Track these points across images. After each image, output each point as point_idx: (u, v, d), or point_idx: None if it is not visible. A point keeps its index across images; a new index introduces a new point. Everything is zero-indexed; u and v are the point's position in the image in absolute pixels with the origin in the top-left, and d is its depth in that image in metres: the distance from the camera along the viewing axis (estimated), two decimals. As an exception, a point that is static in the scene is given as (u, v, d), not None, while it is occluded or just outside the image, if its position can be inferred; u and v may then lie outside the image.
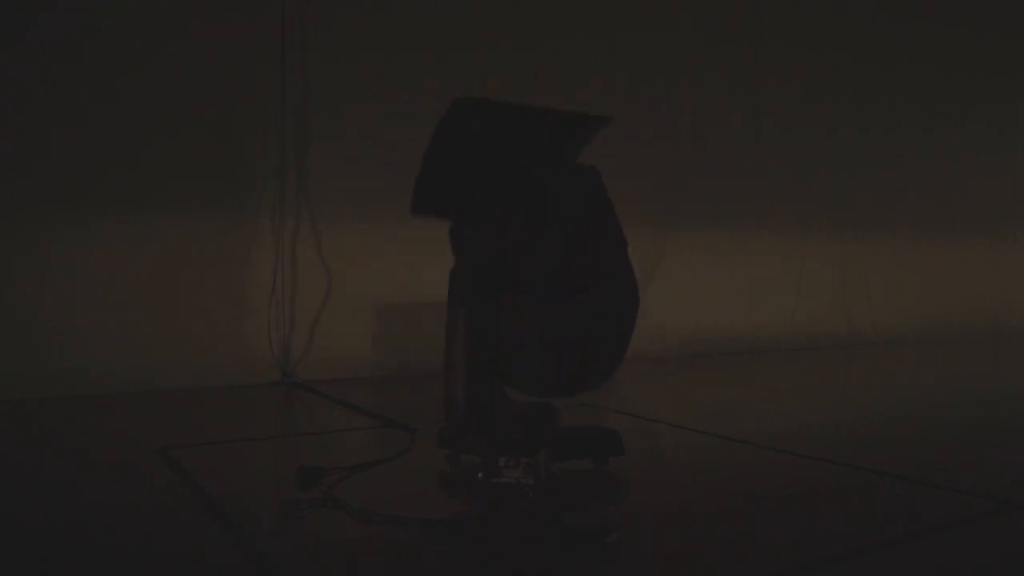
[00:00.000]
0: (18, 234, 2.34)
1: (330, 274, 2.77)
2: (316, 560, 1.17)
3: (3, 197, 2.31)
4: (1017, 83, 4.92)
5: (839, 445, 1.93)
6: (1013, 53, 4.88)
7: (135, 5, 2.46)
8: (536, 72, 2.97)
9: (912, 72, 4.31)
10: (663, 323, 3.32)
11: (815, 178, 3.91)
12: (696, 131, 3.54)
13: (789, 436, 1.99)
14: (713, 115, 3.59)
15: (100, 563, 1.13)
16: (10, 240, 2.33)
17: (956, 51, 4.52)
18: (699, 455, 1.84)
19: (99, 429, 2.06)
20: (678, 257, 3.47)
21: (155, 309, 2.51)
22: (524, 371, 1.52)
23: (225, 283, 2.64)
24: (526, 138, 1.57)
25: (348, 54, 2.78)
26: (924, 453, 1.88)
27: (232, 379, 2.57)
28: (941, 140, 4.47)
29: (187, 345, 2.54)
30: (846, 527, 1.32)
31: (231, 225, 2.64)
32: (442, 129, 1.49)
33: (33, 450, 1.84)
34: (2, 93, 2.30)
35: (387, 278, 2.82)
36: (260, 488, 1.56)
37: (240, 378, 2.59)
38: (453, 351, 1.59)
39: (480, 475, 1.46)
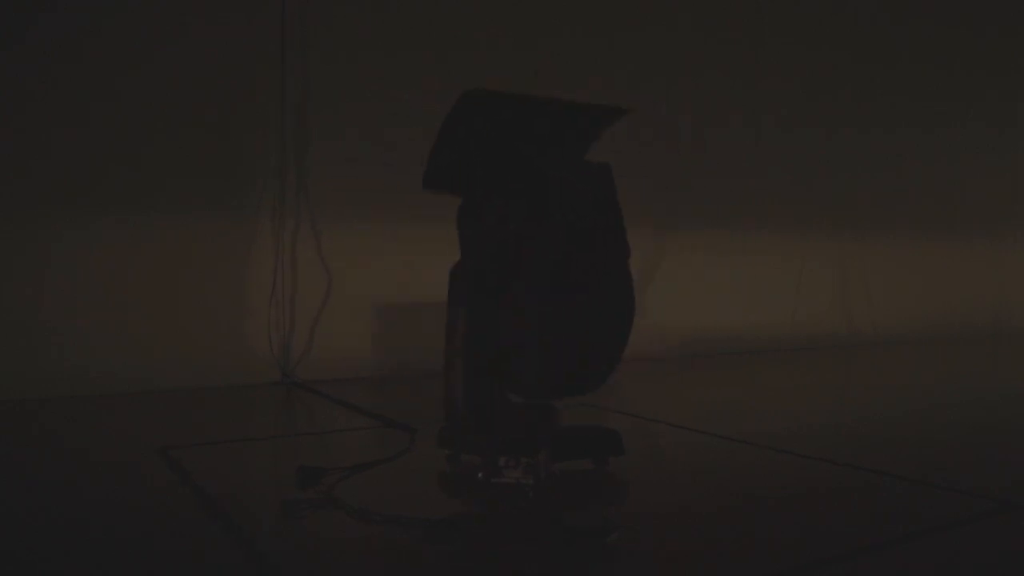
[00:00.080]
0: (18, 234, 2.34)
1: (330, 274, 2.77)
2: (316, 560, 1.17)
3: (3, 197, 2.31)
4: (1017, 83, 4.92)
5: (839, 445, 1.93)
6: (1013, 53, 4.88)
7: (135, 5, 2.46)
8: (536, 72, 2.97)
9: (912, 72, 4.31)
10: (663, 323, 3.32)
11: (815, 178, 3.91)
12: (696, 131, 3.54)
13: (789, 436, 1.99)
14: (713, 115, 3.59)
15: (100, 563, 1.13)
16: (10, 240, 2.33)
17: (956, 51, 4.52)
18: (699, 455, 1.84)
19: (99, 429, 2.06)
20: (678, 257, 3.47)
21: (155, 309, 2.51)
22: (524, 371, 1.52)
23: (225, 283, 2.64)
24: (535, 128, 1.56)
25: (348, 54, 2.78)
26: (924, 453, 1.88)
27: (232, 379, 2.57)
28: (941, 140, 4.47)
29: (187, 345, 2.54)
30: (846, 527, 1.32)
31: (231, 225, 2.64)
32: (454, 115, 1.49)
33: (33, 450, 1.84)
34: (2, 93, 2.30)
35: (387, 278, 2.82)
36: (260, 488, 1.56)
37: (240, 378, 2.59)
38: (453, 351, 1.59)
39: (480, 475, 1.46)
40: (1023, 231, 4.98)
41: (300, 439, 2.08)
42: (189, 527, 1.28)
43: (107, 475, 1.59)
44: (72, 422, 2.11)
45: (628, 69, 3.30)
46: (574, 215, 1.51)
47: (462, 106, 1.48)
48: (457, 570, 1.17)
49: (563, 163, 1.57)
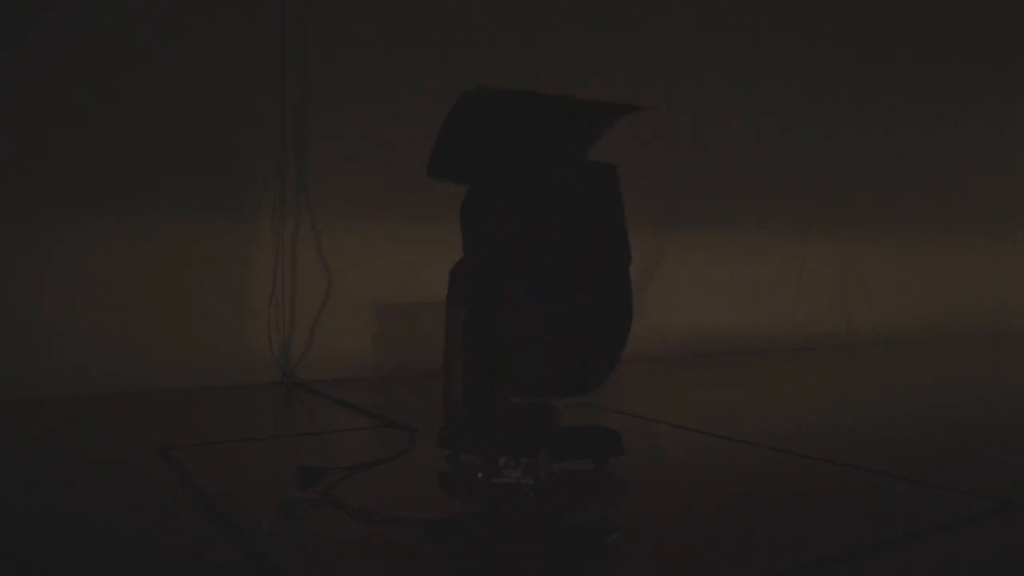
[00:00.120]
0: (18, 234, 2.34)
1: (330, 274, 2.77)
2: (316, 560, 1.17)
3: (3, 197, 2.31)
4: (1017, 83, 4.92)
5: (839, 445, 1.93)
6: (1013, 53, 4.88)
7: (135, 5, 2.46)
8: (536, 72, 2.97)
9: (912, 72, 4.31)
10: (663, 323, 3.32)
11: (815, 178, 3.91)
12: (696, 131, 3.54)
13: (789, 436, 1.99)
14: (713, 115, 3.60)
15: (100, 563, 1.13)
16: (10, 240, 2.33)
17: (956, 51, 4.52)
18: (699, 455, 1.84)
19: (99, 429, 2.06)
20: (678, 257, 3.47)
21: (155, 309, 2.51)
22: (524, 371, 1.52)
23: (225, 283, 2.64)
24: (536, 127, 1.56)
25: (348, 54, 2.78)
26: (924, 453, 1.88)
27: (232, 379, 2.58)
28: (941, 140, 4.47)
29: (187, 345, 2.54)
30: (846, 527, 1.32)
31: (231, 225, 2.64)
32: (455, 115, 1.49)
33: (33, 450, 1.84)
34: (2, 93, 2.30)
35: (387, 278, 2.82)
36: (260, 488, 1.56)
37: (240, 378, 2.59)
38: (453, 351, 1.59)
39: (480, 475, 1.46)
40: (1023, 231, 4.98)
41: (300, 439, 2.08)
42: (189, 527, 1.28)
43: (107, 475, 1.59)
44: (72, 422, 2.11)
45: (628, 69, 3.30)
46: (574, 215, 1.50)
47: (462, 106, 1.47)
48: (457, 570, 1.17)
49: (563, 163, 1.57)
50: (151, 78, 2.49)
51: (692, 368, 3.30)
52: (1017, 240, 4.95)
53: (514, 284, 1.49)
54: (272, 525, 1.33)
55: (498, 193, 1.53)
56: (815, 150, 3.92)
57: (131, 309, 2.47)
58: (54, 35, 2.35)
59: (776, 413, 2.40)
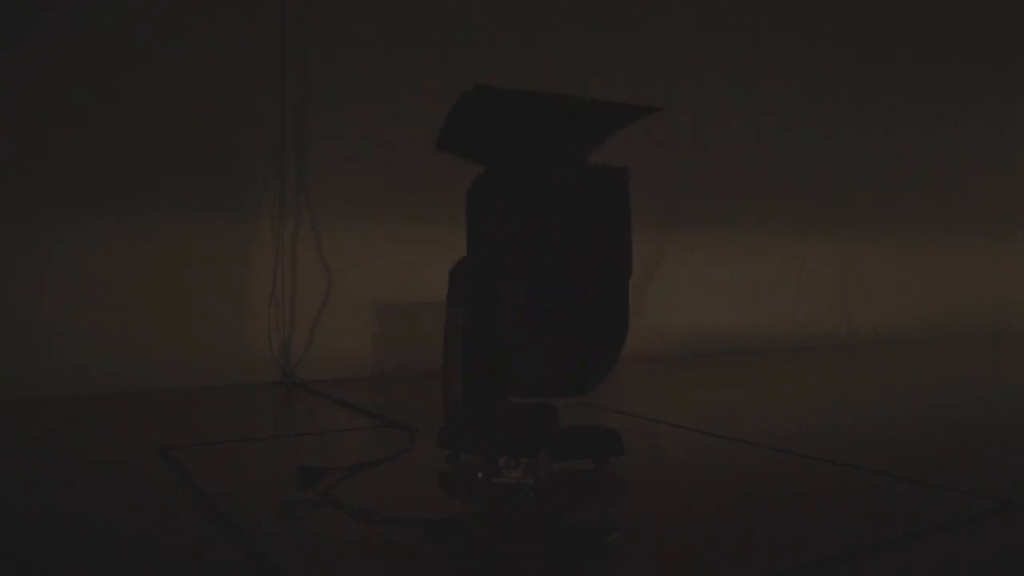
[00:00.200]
0: (18, 234, 2.34)
1: (330, 274, 2.77)
2: (316, 560, 1.17)
3: (3, 197, 2.32)
4: (1017, 83, 4.92)
5: (839, 445, 1.93)
6: (1013, 53, 4.88)
7: (135, 5, 2.46)
8: (536, 72, 2.97)
9: (912, 72, 4.31)
10: (663, 323, 3.32)
11: (815, 178, 3.91)
12: (696, 131, 3.54)
13: (789, 436, 1.99)
14: (713, 115, 3.60)
15: (100, 563, 1.13)
16: (10, 240, 2.33)
17: (956, 51, 4.52)
18: (699, 455, 1.84)
19: (99, 429, 2.06)
20: (678, 257, 3.47)
21: (155, 309, 2.51)
22: (524, 371, 1.52)
23: (225, 283, 2.64)
24: (536, 127, 1.56)
25: (348, 54, 2.78)
26: (924, 453, 1.88)
27: (232, 379, 2.58)
28: (941, 140, 4.47)
29: (187, 345, 2.54)
30: (846, 527, 1.32)
31: (231, 225, 2.64)
32: (455, 115, 1.49)
33: (33, 450, 1.84)
34: (2, 93, 2.30)
35: (387, 278, 2.82)
36: (260, 488, 1.56)
37: (240, 378, 2.59)
38: (453, 351, 1.59)
39: (480, 475, 1.46)
40: (1023, 231, 4.98)
41: (300, 439, 2.08)
42: (189, 527, 1.28)
43: (107, 475, 1.59)
44: (72, 422, 2.11)
45: (628, 69, 3.30)
46: (574, 215, 1.50)
47: (462, 106, 1.47)
48: (457, 570, 1.17)
49: (563, 163, 1.57)
50: (151, 78, 2.49)
51: (692, 368, 3.30)
52: (1017, 240, 4.95)
53: (514, 284, 1.49)
54: (272, 525, 1.33)
55: (498, 193, 1.53)
56: (815, 150, 3.92)
57: (131, 309, 2.47)
58: (54, 35, 2.35)
59: (776, 413, 2.40)
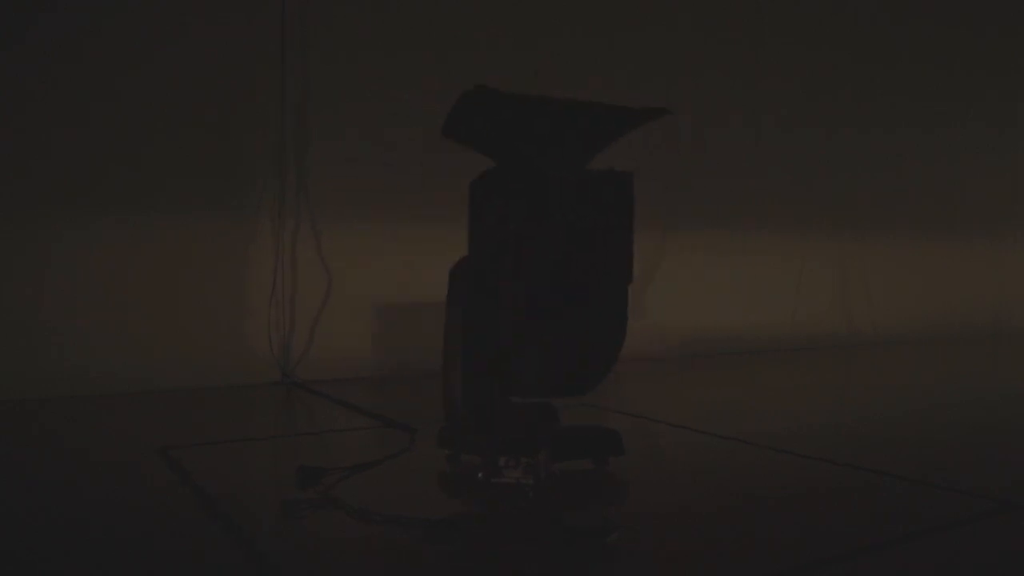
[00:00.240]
0: (18, 234, 2.34)
1: (330, 274, 2.77)
2: (316, 560, 1.17)
3: (3, 197, 2.31)
4: (1017, 83, 4.92)
5: (839, 445, 1.93)
6: (1013, 53, 4.88)
7: (135, 5, 2.46)
8: (536, 72, 2.97)
9: (912, 72, 4.31)
10: (663, 323, 3.32)
11: (815, 178, 3.91)
12: (696, 131, 3.54)
13: (789, 436, 1.99)
14: (713, 115, 3.59)
15: (100, 563, 1.13)
16: (10, 240, 2.33)
17: (956, 51, 4.52)
18: (699, 455, 1.84)
19: (99, 429, 2.06)
20: (678, 257, 3.47)
21: (155, 309, 2.51)
22: (524, 371, 1.52)
23: (225, 283, 2.64)
24: (538, 124, 1.55)
25: (348, 54, 2.78)
26: (924, 453, 1.88)
27: (232, 379, 2.58)
28: (941, 140, 4.47)
29: (187, 345, 2.54)
30: (846, 527, 1.32)
31: (231, 225, 2.64)
32: (455, 114, 1.48)
33: (33, 450, 1.84)
34: (2, 93, 2.30)
35: (387, 278, 2.82)
36: (260, 488, 1.56)
37: (240, 378, 2.59)
38: (453, 351, 1.59)
39: (480, 475, 1.46)
40: (1023, 231, 4.98)
41: (300, 439, 2.08)
42: (189, 527, 1.28)
43: (107, 475, 1.59)
44: (72, 422, 2.11)
45: (628, 69, 3.30)
46: (574, 215, 1.50)
47: (462, 106, 1.47)
48: (457, 570, 1.18)
49: (564, 163, 1.57)
50: (151, 78, 2.49)
51: (692, 368, 3.30)
52: (1017, 240, 4.95)
53: (514, 284, 1.49)
54: (272, 525, 1.33)
55: (499, 193, 1.53)
56: (815, 150, 3.92)
57: (131, 309, 2.47)
58: (54, 35, 2.35)
59: (776, 413, 2.40)
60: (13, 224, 2.33)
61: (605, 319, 1.55)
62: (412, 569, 1.13)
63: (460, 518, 1.37)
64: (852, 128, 4.06)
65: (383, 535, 1.22)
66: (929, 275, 4.42)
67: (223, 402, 2.40)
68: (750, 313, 3.69)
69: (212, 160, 2.59)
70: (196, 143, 2.56)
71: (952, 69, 4.50)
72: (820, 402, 2.68)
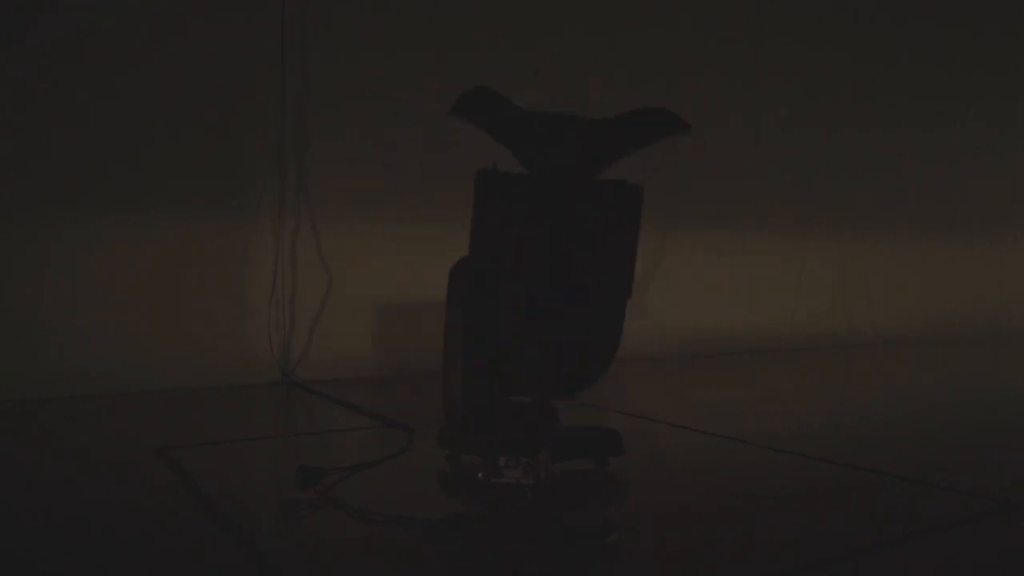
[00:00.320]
0: (18, 234, 2.34)
1: (330, 274, 2.77)
2: (316, 560, 1.17)
3: (3, 197, 2.31)
4: (1017, 83, 4.92)
5: (839, 445, 1.93)
6: (1013, 53, 4.88)
7: (135, 5, 2.46)
8: (536, 72, 2.97)
9: (912, 72, 4.31)
10: (663, 323, 3.32)
11: (815, 178, 3.91)
12: (696, 131, 3.53)
13: (789, 436, 1.99)
14: (713, 115, 3.59)
15: (100, 563, 1.13)
16: (10, 240, 2.33)
17: (956, 51, 4.52)
18: (699, 455, 1.84)
19: (99, 429, 2.06)
20: (678, 257, 3.47)
21: (155, 309, 2.51)
22: (524, 371, 1.52)
23: (225, 283, 2.64)
24: (538, 124, 1.55)
25: (348, 54, 2.78)
26: (924, 453, 1.88)
27: (232, 379, 2.57)
28: (941, 140, 4.47)
29: (187, 345, 2.54)
30: (846, 527, 1.32)
31: (231, 225, 2.64)
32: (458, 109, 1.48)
33: (33, 450, 1.84)
34: (2, 93, 2.30)
35: (387, 278, 2.82)
36: (260, 488, 1.56)
37: (240, 378, 2.59)
38: (453, 351, 1.59)
39: (480, 475, 1.46)
40: (1023, 231, 4.98)
41: (300, 439, 2.08)
42: (189, 527, 1.28)
43: (107, 475, 1.59)
44: (72, 422, 2.11)
45: (628, 69, 3.30)
46: (574, 216, 1.50)
47: (462, 106, 1.48)
48: (457, 570, 1.18)
49: (564, 163, 1.57)
50: (151, 78, 2.48)
51: (692, 368, 3.30)
52: (1017, 240, 4.95)
53: (514, 284, 1.49)
54: (272, 525, 1.33)
55: (500, 195, 1.53)
56: (815, 150, 3.92)
57: (131, 309, 2.47)
58: (54, 35, 2.35)
59: (776, 413, 2.40)
60: (13, 224, 2.33)
61: (605, 319, 1.55)
62: (412, 569, 1.13)
63: (460, 518, 1.37)
64: (852, 128, 4.06)
65: (383, 535, 1.22)
66: (929, 275, 4.42)
67: (223, 402, 2.40)
68: (750, 313, 3.69)
69: (212, 160, 2.59)
70: (196, 143, 2.56)
71: (952, 69, 4.50)
72: (820, 402, 2.68)
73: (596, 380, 1.57)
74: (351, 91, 2.78)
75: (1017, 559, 1.22)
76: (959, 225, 4.59)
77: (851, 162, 4.04)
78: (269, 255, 2.68)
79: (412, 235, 2.79)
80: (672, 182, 3.44)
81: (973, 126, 4.63)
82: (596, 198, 1.53)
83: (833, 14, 4.00)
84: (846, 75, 4.04)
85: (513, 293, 1.50)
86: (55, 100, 2.37)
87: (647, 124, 1.57)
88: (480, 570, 1.17)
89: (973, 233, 4.67)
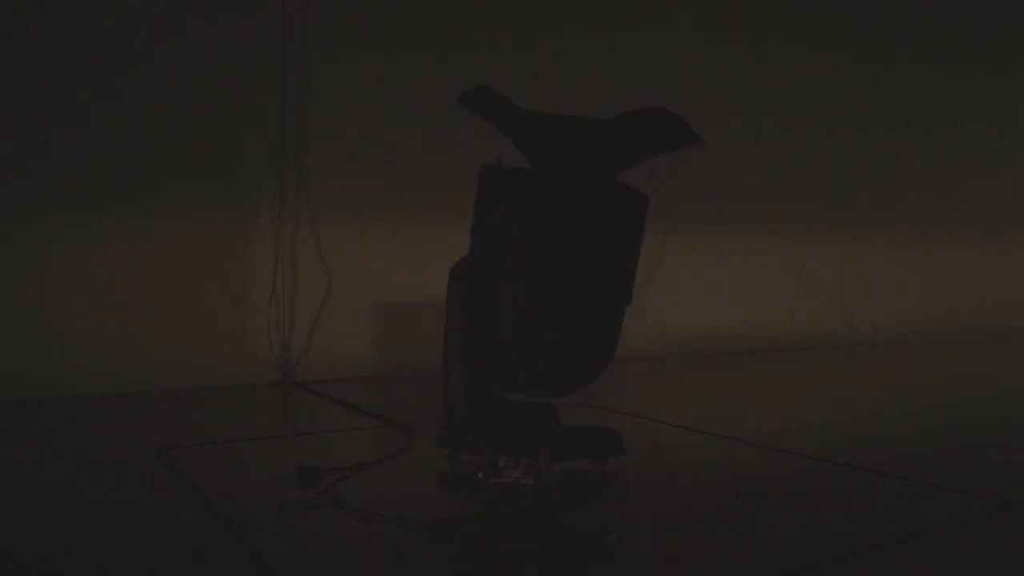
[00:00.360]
0: (18, 234, 2.34)
1: (330, 274, 2.77)
2: (316, 560, 1.17)
3: (3, 197, 2.31)
4: (1017, 83, 4.92)
5: (839, 445, 1.93)
6: (1013, 53, 4.88)
7: (135, 5, 2.46)
8: (536, 72, 2.97)
9: (912, 72, 4.31)
10: (663, 323, 3.32)
11: (815, 178, 3.91)
12: (696, 131, 3.53)
13: (789, 436, 1.99)
14: (713, 115, 3.59)
15: (100, 563, 1.13)
16: (10, 240, 2.33)
17: (956, 51, 4.52)
18: (699, 455, 1.84)
19: (99, 429, 2.06)
20: (678, 257, 3.46)
21: (155, 309, 2.51)
22: (524, 370, 1.52)
23: (225, 283, 2.64)
24: (538, 124, 1.55)
25: (348, 54, 2.78)
26: (924, 453, 1.88)
27: (232, 379, 2.57)
28: (941, 140, 4.47)
29: (187, 345, 2.54)
30: (846, 527, 1.32)
31: (231, 225, 2.64)
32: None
33: (33, 450, 1.84)
34: (2, 93, 2.30)
35: (387, 278, 2.82)
36: (260, 488, 1.56)
37: (240, 378, 2.59)
38: (452, 351, 1.59)
39: (480, 475, 1.46)
40: (1023, 231, 4.98)
41: (300, 439, 2.08)
42: (189, 527, 1.28)
43: (107, 475, 1.59)
44: (72, 422, 2.11)
45: (628, 69, 3.30)
46: (575, 216, 1.50)
47: (469, 99, 1.48)
48: (457, 570, 1.18)
49: (564, 164, 1.57)
50: (151, 78, 2.48)
51: (692, 368, 3.30)
52: (1017, 240, 4.95)
53: (514, 284, 1.49)
54: (272, 525, 1.33)
55: (501, 196, 1.53)
56: (815, 150, 3.92)
57: (131, 309, 2.47)
58: (54, 35, 2.35)
59: (776, 413, 2.40)
60: (13, 224, 2.33)
61: (604, 319, 1.55)
62: (412, 569, 1.13)
63: (460, 518, 1.37)
64: (852, 128, 4.06)
65: (383, 535, 1.22)
66: (929, 275, 4.42)
67: (223, 402, 2.40)
68: (750, 313, 3.68)
69: (212, 160, 2.59)
70: (196, 143, 2.56)
71: (952, 69, 4.50)
72: (820, 402, 2.68)
73: (595, 379, 1.57)
74: (351, 91, 2.78)
75: (1017, 559, 1.22)
76: (959, 225, 4.59)
77: (851, 162, 4.04)
78: (269, 255, 2.68)
79: (412, 235, 2.79)
80: (672, 182, 3.45)
81: (973, 126, 4.63)
82: (597, 198, 1.53)
83: (833, 14, 4.00)
84: (846, 75, 4.04)
85: (513, 293, 1.50)
86: (55, 100, 2.37)
87: (658, 133, 1.57)
88: (480, 570, 1.17)
89: (973, 233, 4.67)
